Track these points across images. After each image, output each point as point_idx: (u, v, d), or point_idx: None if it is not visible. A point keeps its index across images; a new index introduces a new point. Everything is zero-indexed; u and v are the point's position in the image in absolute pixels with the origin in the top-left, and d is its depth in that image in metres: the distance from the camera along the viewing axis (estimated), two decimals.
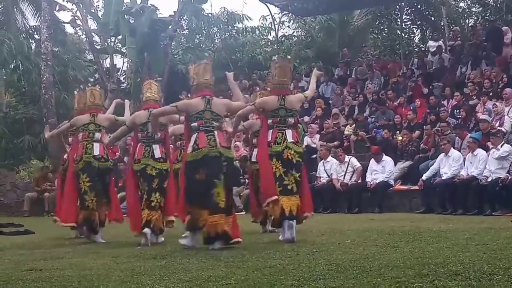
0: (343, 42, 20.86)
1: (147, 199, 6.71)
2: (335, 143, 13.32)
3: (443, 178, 10.41)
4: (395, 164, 11.85)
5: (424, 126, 12.33)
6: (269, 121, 6.58)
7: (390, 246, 5.62)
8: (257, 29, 24.03)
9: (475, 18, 22.17)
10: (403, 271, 4.13)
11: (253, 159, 7.77)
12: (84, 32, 21.44)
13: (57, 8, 19.91)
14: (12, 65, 19.84)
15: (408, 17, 22.32)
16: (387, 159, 11.73)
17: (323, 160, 12.40)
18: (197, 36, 24.25)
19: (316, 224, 8.42)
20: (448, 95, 13.51)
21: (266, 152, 6.52)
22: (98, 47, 20.86)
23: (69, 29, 22.94)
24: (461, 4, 23.13)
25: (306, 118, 14.87)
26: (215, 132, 6.08)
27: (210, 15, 22.92)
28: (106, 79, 19.30)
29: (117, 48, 20.96)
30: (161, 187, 6.74)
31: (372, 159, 11.86)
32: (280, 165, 6.41)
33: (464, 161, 10.36)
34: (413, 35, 23.32)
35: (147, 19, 18.75)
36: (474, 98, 12.82)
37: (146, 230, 6.58)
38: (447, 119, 12.06)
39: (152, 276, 4.39)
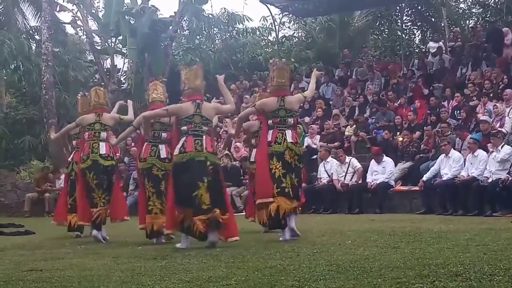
0: (343, 43, 20.87)
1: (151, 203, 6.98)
2: (336, 144, 13.32)
3: (443, 179, 10.41)
4: (396, 165, 11.86)
5: (424, 127, 12.33)
6: (269, 121, 6.67)
7: (390, 246, 5.62)
8: (257, 30, 24.03)
9: (476, 19, 22.19)
10: (403, 271, 4.13)
11: (252, 159, 7.85)
12: (84, 33, 21.42)
13: (58, 8, 19.92)
14: (13, 66, 19.87)
15: (409, 18, 22.35)
16: (387, 160, 11.73)
17: (323, 161, 12.41)
18: (198, 37, 24.26)
19: (316, 225, 8.44)
20: (448, 96, 13.52)
21: (265, 152, 6.59)
22: (99, 47, 20.86)
23: (69, 29, 22.99)
24: (462, 5, 23.20)
25: (307, 119, 14.88)
26: (204, 136, 6.25)
27: (210, 15, 22.92)
28: (106, 79, 19.30)
29: (118, 49, 20.96)
30: (166, 188, 6.83)
31: (373, 160, 11.86)
32: (280, 165, 6.47)
33: (464, 162, 10.35)
34: (413, 36, 23.35)
35: (147, 20, 18.76)
36: (475, 99, 12.83)
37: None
38: (447, 120, 12.06)
39: (153, 277, 4.39)
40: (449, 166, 10.46)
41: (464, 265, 4.30)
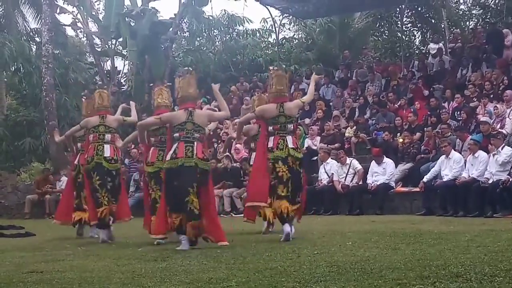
0: (343, 45, 20.85)
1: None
2: (336, 145, 13.31)
3: (444, 180, 10.40)
4: (396, 166, 11.85)
5: (424, 128, 12.31)
6: (270, 128, 6.93)
7: (391, 248, 5.62)
8: (257, 32, 24.04)
9: (476, 20, 22.18)
10: (404, 273, 4.13)
11: (251, 163, 7.95)
12: (85, 35, 21.43)
13: (58, 10, 19.92)
14: (13, 68, 19.86)
15: (409, 19, 22.35)
16: (388, 161, 11.73)
17: (323, 162, 12.41)
18: (198, 39, 24.26)
19: (317, 226, 8.45)
20: (448, 97, 13.51)
21: (263, 157, 6.84)
22: (99, 49, 20.87)
23: (70, 31, 23.03)
24: (462, 7, 23.18)
25: (307, 120, 14.88)
26: (195, 143, 6.41)
27: (210, 17, 22.92)
28: (107, 81, 19.31)
29: (118, 51, 20.96)
30: None
31: (373, 161, 11.86)
32: (287, 169, 6.73)
33: (465, 163, 10.34)
34: (413, 37, 23.34)
35: (147, 22, 18.76)
36: (475, 100, 12.82)
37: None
38: (447, 121, 12.05)
39: (153, 278, 4.39)
40: (449, 167, 10.46)
41: (465, 266, 4.30)
